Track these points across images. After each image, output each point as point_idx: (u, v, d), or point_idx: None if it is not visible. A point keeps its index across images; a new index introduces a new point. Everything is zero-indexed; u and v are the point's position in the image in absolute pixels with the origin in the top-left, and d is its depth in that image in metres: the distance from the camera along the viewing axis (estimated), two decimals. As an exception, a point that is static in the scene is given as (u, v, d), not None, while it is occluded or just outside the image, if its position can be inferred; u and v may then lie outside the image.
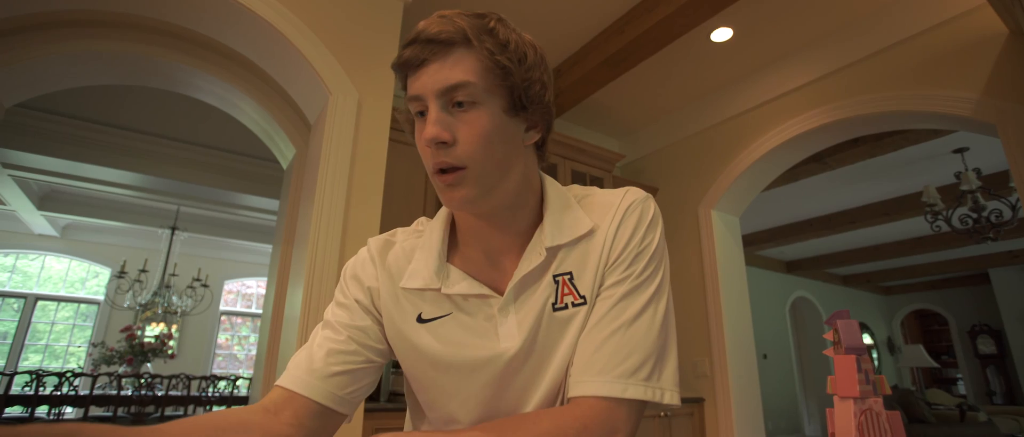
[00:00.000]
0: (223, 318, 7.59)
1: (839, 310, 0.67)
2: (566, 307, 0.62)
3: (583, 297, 0.62)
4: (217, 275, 7.34)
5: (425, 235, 0.70)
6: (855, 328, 0.64)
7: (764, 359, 6.91)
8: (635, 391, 0.56)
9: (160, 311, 6.03)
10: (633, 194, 0.66)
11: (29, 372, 4.70)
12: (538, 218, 0.66)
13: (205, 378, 5.36)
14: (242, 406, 0.60)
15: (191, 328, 7.01)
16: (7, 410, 4.44)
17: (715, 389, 3.07)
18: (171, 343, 6.09)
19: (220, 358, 7.46)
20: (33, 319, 6.50)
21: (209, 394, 5.17)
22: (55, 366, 6.37)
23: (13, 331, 6.37)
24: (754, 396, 3.16)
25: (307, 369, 0.63)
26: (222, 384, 5.39)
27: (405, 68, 0.58)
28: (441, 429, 0.67)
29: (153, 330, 5.83)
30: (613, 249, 0.62)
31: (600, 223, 0.64)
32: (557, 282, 0.63)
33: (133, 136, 4.00)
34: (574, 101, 3.16)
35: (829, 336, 0.67)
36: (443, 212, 0.70)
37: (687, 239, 3.38)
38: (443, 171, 0.57)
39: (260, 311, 7.95)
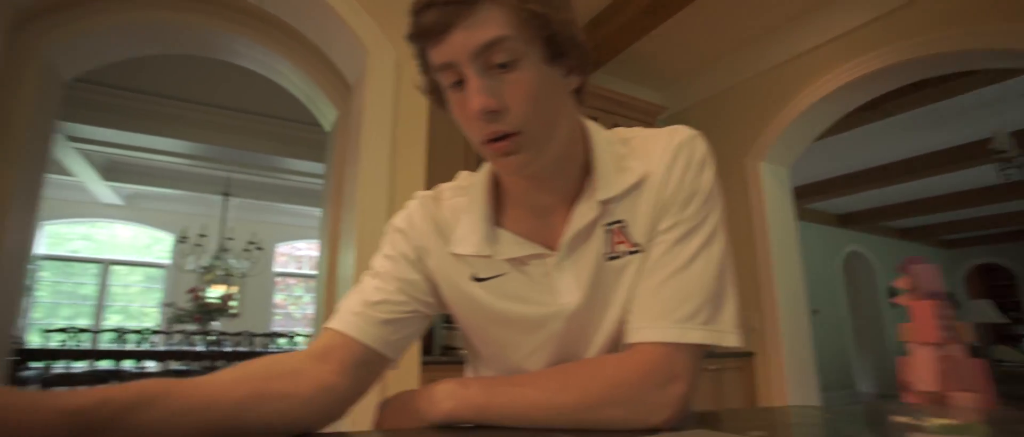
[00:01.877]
0: (277, 279, 7.97)
1: (912, 256, 0.64)
2: (619, 256, 0.61)
3: (637, 245, 0.61)
4: (269, 238, 7.68)
5: (469, 197, 0.68)
6: (933, 273, 0.61)
7: (815, 315, 6.75)
8: (695, 335, 0.56)
9: (220, 273, 6.40)
10: (681, 133, 0.63)
11: (114, 330, 5.11)
12: (585, 169, 0.63)
13: (267, 335, 5.69)
14: (291, 353, 0.61)
15: (250, 289, 7.41)
16: (98, 363, 4.86)
17: (765, 344, 3.04)
18: (232, 303, 6.47)
19: (278, 317, 7.89)
20: (109, 282, 7.02)
21: (271, 350, 5.50)
22: (133, 325, 6.90)
23: (95, 293, 6.91)
24: (806, 351, 3.11)
25: (358, 313, 0.63)
26: (281, 340, 5.72)
27: (425, 37, 0.53)
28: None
29: (215, 291, 6.21)
30: (664, 193, 0.61)
31: (650, 167, 0.62)
32: (609, 232, 0.62)
33: (184, 105, 4.15)
34: (614, 52, 3.06)
35: (901, 283, 0.64)
36: (484, 173, 0.69)
37: (735, 192, 3.28)
38: (493, 139, 0.54)
39: (311, 272, 8.31)
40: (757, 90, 3.25)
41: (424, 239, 0.69)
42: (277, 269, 7.97)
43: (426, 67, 0.59)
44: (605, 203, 0.61)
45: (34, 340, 5.70)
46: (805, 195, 6.10)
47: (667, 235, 0.60)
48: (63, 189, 6.10)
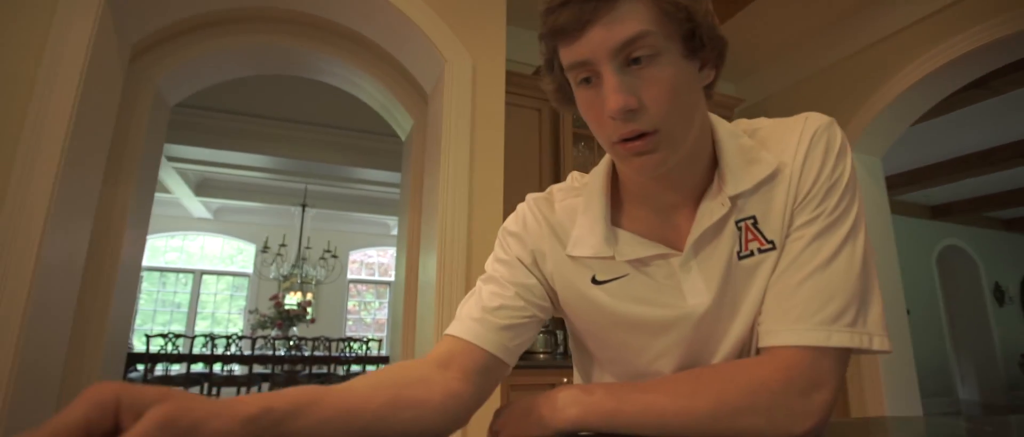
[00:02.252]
0: (351, 286, 8.29)
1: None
2: (752, 254, 0.57)
3: (771, 242, 0.57)
4: (343, 247, 8.01)
5: (585, 196, 0.66)
6: None
7: (908, 315, 6.25)
8: (840, 338, 0.51)
9: (298, 281, 6.73)
10: (815, 120, 0.58)
11: (204, 335, 5.49)
12: (712, 164, 0.60)
13: (342, 340, 5.92)
14: (415, 360, 0.62)
15: (324, 296, 7.75)
16: (192, 366, 5.23)
17: (858, 346, 2.83)
18: (309, 309, 6.79)
19: (350, 322, 8.20)
20: (200, 291, 7.56)
21: (346, 354, 5.71)
22: (219, 330, 7.38)
23: (187, 301, 7.45)
24: (905, 355, 2.88)
25: (478, 319, 0.62)
26: (355, 345, 5.93)
27: (560, 35, 0.51)
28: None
29: (293, 298, 6.53)
30: (801, 185, 0.56)
31: (783, 158, 0.58)
32: (740, 228, 0.58)
33: (268, 123, 4.41)
34: (686, 46, 2.96)
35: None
36: (602, 171, 0.66)
37: (820, 186, 3.09)
38: (629, 139, 0.52)
39: (382, 278, 8.59)
40: (844, 75, 3.05)
41: (539, 242, 0.67)
42: (351, 276, 8.29)
43: (552, 66, 0.57)
44: (735, 198, 0.58)
45: (138, 345, 6.22)
46: (893, 186, 5.67)
47: (806, 230, 0.56)
48: (161, 205, 6.63)
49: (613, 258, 0.62)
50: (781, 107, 3.39)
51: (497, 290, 0.65)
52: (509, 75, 2.35)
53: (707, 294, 0.59)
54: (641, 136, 0.52)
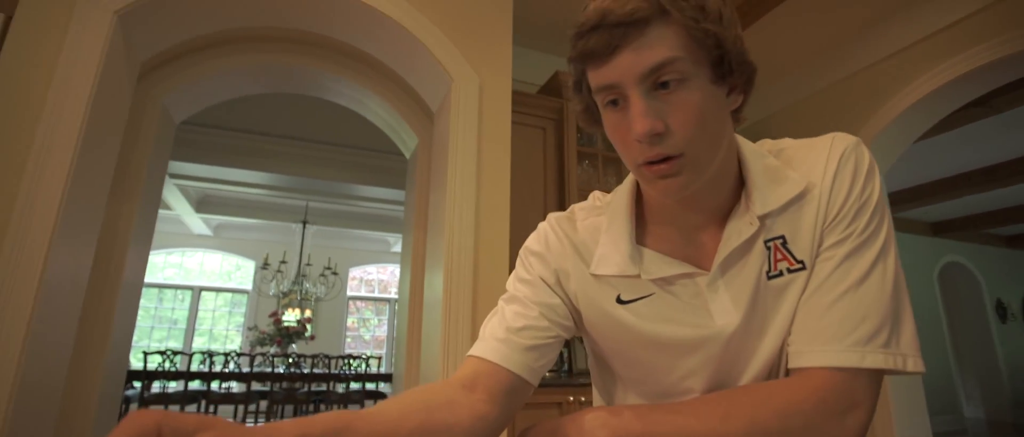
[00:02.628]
0: (350, 303, 8.24)
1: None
2: (781, 274, 0.57)
3: (801, 262, 0.57)
4: (343, 263, 7.98)
5: (608, 215, 0.66)
6: None
7: (910, 332, 6.22)
8: (874, 360, 0.51)
9: (298, 298, 6.69)
10: (843, 140, 0.58)
11: (202, 352, 5.44)
12: (738, 184, 0.61)
13: (341, 357, 5.87)
14: (441, 382, 0.60)
15: (323, 313, 7.70)
16: (190, 383, 5.17)
17: (865, 365, 2.81)
18: (309, 326, 6.74)
19: (349, 339, 8.13)
20: (198, 307, 7.50)
21: (346, 372, 5.66)
22: (217, 347, 7.31)
23: (185, 318, 7.40)
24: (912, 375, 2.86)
25: (503, 340, 0.62)
26: (355, 363, 5.88)
27: (590, 60, 0.52)
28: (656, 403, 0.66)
29: (292, 315, 6.48)
30: (831, 206, 0.56)
31: (812, 178, 0.58)
32: (769, 248, 0.58)
33: (270, 140, 4.42)
34: (689, 65, 2.99)
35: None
36: (626, 190, 0.66)
37: (823, 203, 3.10)
38: (654, 162, 0.52)
39: (382, 295, 8.54)
40: (845, 94, 3.08)
41: (562, 261, 0.67)
42: (350, 293, 8.25)
43: (581, 87, 0.58)
44: (763, 218, 0.58)
45: (134, 361, 6.16)
46: (894, 203, 5.69)
47: (836, 250, 0.55)
48: (161, 221, 6.60)
49: (638, 277, 0.62)
50: (783, 126, 3.41)
51: (521, 310, 0.65)
52: (514, 94, 2.36)
53: (736, 313, 0.58)
54: (666, 159, 0.52)
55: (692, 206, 0.60)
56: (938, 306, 6.71)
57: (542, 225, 0.72)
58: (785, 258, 0.57)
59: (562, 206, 2.51)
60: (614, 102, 0.53)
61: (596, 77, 0.53)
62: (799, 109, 3.34)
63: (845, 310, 0.53)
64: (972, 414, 6.72)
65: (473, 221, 1.99)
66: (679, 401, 0.56)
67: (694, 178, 0.54)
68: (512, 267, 0.71)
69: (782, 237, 0.58)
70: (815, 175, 0.58)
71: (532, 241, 0.71)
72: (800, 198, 0.58)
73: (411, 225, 2.59)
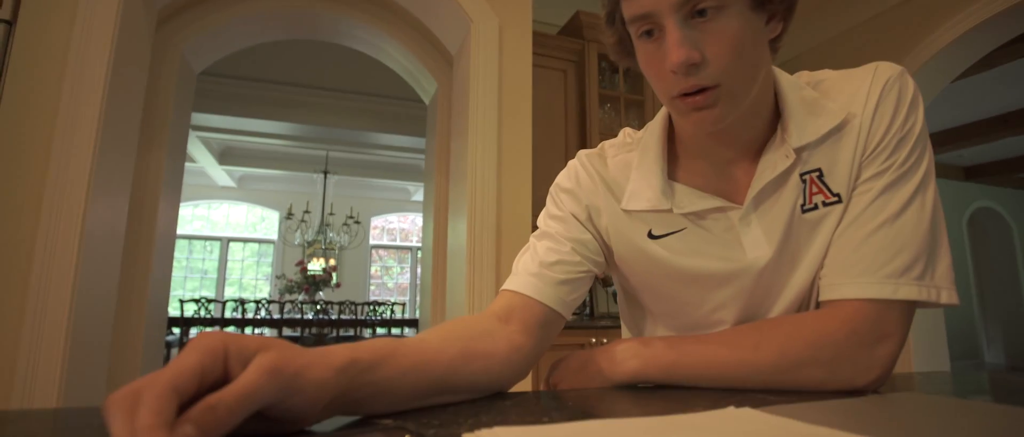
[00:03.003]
0: (372, 251, 8.42)
1: None
2: (816, 207, 0.56)
3: (837, 195, 0.56)
4: (365, 213, 8.10)
5: (639, 150, 0.66)
6: None
7: (934, 278, 6.15)
8: (908, 291, 0.51)
9: (322, 247, 6.85)
10: (886, 70, 0.56)
11: (234, 300, 5.66)
12: (773, 118, 0.59)
13: (367, 304, 6.05)
14: (477, 314, 0.62)
15: (348, 261, 7.89)
16: (225, 330, 5.41)
17: (888, 308, 2.81)
18: (334, 275, 6.93)
19: (373, 287, 8.36)
20: (227, 258, 7.74)
21: (372, 318, 5.85)
22: (247, 295, 7.59)
23: (215, 268, 7.66)
24: (935, 316, 2.85)
25: (536, 274, 0.63)
26: (381, 309, 6.06)
27: None
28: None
29: (317, 264, 6.66)
30: (871, 137, 0.55)
31: (852, 109, 0.56)
32: (805, 181, 0.57)
33: (291, 90, 4.41)
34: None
35: None
36: (658, 125, 0.65)
37: (852, 146, 3.02)
38: (689, 94, 0.51)
39: (404, 244, 8.70)
40: (880, 31, 2.93)
41: (593, 197, 0.67)
42: (372, 242, 8.41)
43: (613, 19, 0.56)
44: (800, 151, 0.56)
45: (172, 310, 6.44)
46: (926, 146, 5.50)
47: (874, 183, 0.55)
48: (186, 174, 6.71)
49: (670, 211, 0.62)
50: (814, 64, 3.27)
51: (553, 246, 0.65)
52: (535, 36, 2.30)
53: (768, 247, 0.58)
54: (702, 91, 0.51)
55: (725, 140, 0.59)
56: (966, 251, 6.60)
57: (572, 162, 0.72)
58: (821, 191, 0.57)
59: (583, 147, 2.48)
60: (648, 33, 0.52)
61: (630, 6, 0.51)
62: (830, 47, 3.20)
63: (880, 243, 0.52)
64: (993, 359, 6.72)
65: (495, 167, 1.99)
66: (709, 333, 0.58)
67: (730, 110, 0.53)
68: (535, 212, 0.73)
69: (819, 170, 0.57)
70: (855, 105, 0.56)
71: (562, 178, 0.71)
72: (838, 130, 0.56)
73: (433, 172, 2.60)
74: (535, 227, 0.73)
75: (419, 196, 8.01)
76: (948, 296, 0.52)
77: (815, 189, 0.57)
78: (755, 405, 0.37)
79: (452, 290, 2.18)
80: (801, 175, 0.57)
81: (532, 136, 2.12)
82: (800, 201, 0.57)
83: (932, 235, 0.53)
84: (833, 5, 3.10)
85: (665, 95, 0.54)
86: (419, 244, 8.51)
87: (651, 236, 0.64)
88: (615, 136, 0.74)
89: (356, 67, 4.04)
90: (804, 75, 0.62)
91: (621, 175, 0.67)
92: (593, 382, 0.59)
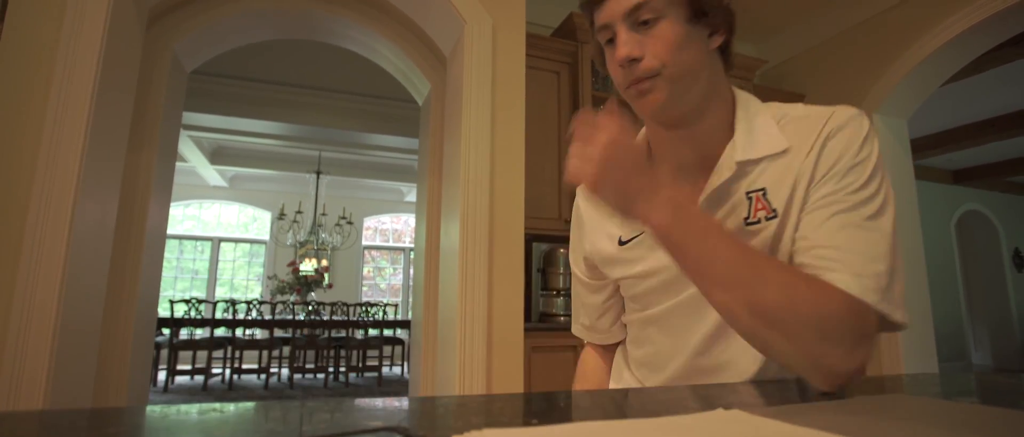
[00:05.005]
0: (365, 252, 8.38)
1: None
2: (759, 222, 0.61)
3: (775, 210, 0.60)
4: (358, 213, 8.06)
5: None
6: None
7: (923, 280, 6.21)
8: (887, 307, 0.52)
9: (314, 248, 6.81)
10: (844, 110, 0.61)
11: (225, 301, 5.61)
12: (730, 133, 0.65)
13: (359, 305, 6.02)
14: (591, 360, 0.86)
15: (340, 262, 7.85)
16: (215, 331, 5.36)
17: (877, 310, 2.84)
18: (326, 275, 6.89)
19: (366, 288, 8.32)
20: (218, 258, 7.68)
21: (364, 319, 5.83)
22: (239, 296, 7.53)
23: (206, 268, 7.59)
24: (924, 319, 2.88)
25: (591, 328, 0.83)
26: (373, 310, 6.04)
27: (593, 4, 0.63)
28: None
29: (309, 265, 6.62)
30: (820, 166, 0.58)
31: (802, 139, 0.60)
32: (750, 198, 0.62)
33: (280, 89, 4.38)
34: (709, 5, 2.88)
35: None
36: (640, 135, 0.73)
37: (843, 149, 3.04)
38: (634, 83, 0.61)
39: (396, 244, 8.67)
40: (871, 35, 2.96)
41: (585, 222, 0.79)
42: (365, 242, 8.37)
43: (594, 33, 0.67)
44: (743, 164, 0.61)
45: (162, 310, 6.38)
46: (916, 150, 5.56)
47: (833, 196, 0.57)
48: (177, 173, 6.62)
49: None
50: (806, 68, 3.31)
51: (584, 293, 0.83)
52: (528, 37, 2.30)
53: None
54: (647, 78, 0.60)
55: (685, 141, 0.66)
56: (954, 254, 6.67)
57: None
58: (764, 207, 0.61)
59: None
60: (610, 41, 0.63)
61: (596, 18, 0.64)
62: (821, 51, 3.23)
63: (863, 243, 0.54)
64: (980, 361, 6.79)
65: (488, 168, 1.99)
66: (745, 244, 0.55)
67: (668, 95, 0.60)
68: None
69: (764, 189, 0.61)
70: (806, 137, 0.60)
71: (573, 219, 0.84)
72: (783, 155, 0.61)
73: (426, 173, 2.60)
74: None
75: (412, 197, 7.98)
76: (901, 315, 0.53)
77: (759, 205, 0.61)
78: (744, 408, 0.37)
79: (445, 291, 2.17)
80: (748, 193, 0.62)
81: (525, 137, 2.12)
82: (745, 214, 0.62)
83: (894, 254, 0.55)
84: (824, 9, 3.12)
85: (621, 87, 0.63)
86: (412, 245, 8.48)
87: (621, 242, 0.71)
88: None
89: (349, 67, 4.02)
90: (775, 105, 0.67)
91: None
92: (614, 195, 0.55)
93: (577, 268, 0.82)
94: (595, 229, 0.75)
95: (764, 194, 0.61)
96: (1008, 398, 0.55)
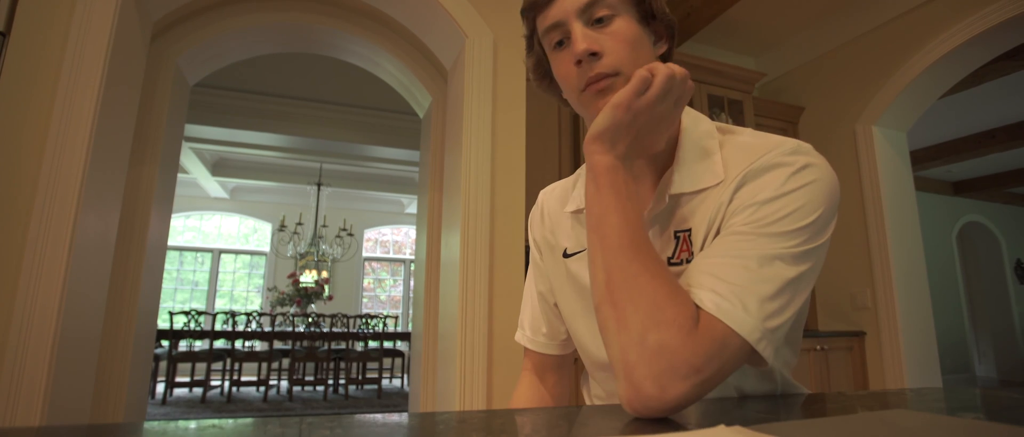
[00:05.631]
0: (366, 264, 8.37)
1: None
2: (682, 264, 0.59)
3: (693, 254, 0.58)
4: (358, 225, 8.07)
5: (576, 176, 0.77)
6: None
7: (925, 292, 6.19)
8: (763, 348, 0.47)
9: (315, 259, 6.80)
10: (783, 143, 0.56)
11: (225, 313, 5.60)
12: (672, 155, 0.62)
13: (359, 317, 6.01)
14: (526, 385, 0.79)
15: (340, 274, 7.85)
16: (215, 343, 5.34)
17: (879, 322, 2.83)
18: (326, 287, 6.87)
19: (366, 300, 8.30)
20: (219, 269, 7.67)
21: (364, 331, 5.80)
22: (238, 308, 7.51)
23: (206, 280, 7.58)
24: (927, 331, 2.87)
25: (534, 331, 0.79)
26: (373, 322, 6.02)
27: (538, 8, 0.61)
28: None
29: (309, 276, 6.61)
30: (736, 198, 0.54)
31: (730, 173, 0.57)
32: (677, 239, 0.60)
33: (282, 101, 4.41)
34: (708, 19, 2.90)
35: None
36: None
37: (845, 160, 3.05)
38: (593, 82, 0.58)
39: (397, 256, 8.66)
40: (869, 48, 2.98)
41: (539, 232, 0.79)
42: (365, 254, 8.37)
43: (532, 38, 0.66)
44: (675, 198, 0.60)
45: (161, 322, 6.36)
46: (916, 161, 5.57)
47: (740, 226, 0.52)
48: (178, 185, 6.69)
49: (572, 220, 0.71)
50: (804, 81, 3.33)
51: (538, 302, 0.80)
52: (527, 63, 2.31)
53: None
54: (604, 78, 0.58)
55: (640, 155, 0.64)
56: (955, 265, 6.65)
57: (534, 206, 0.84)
58: (687, 250, 0.59)
59: (578, 165, 2.49)
60: (561, 43, 0.61)
61: (544, 20, 0.61)
62: (820, 64, 3.24)
63: (760, 280, 0.48)
64: (984, 373, 6.74)
65: (489, 181, 2.00)
66: (649, 250, 0.51)
67: None
68: (527, 225, 0.86)
69: (689, 230, 0.59)
70: (736, 170, 0.57)
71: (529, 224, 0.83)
72: (713, 188, 0.58)
73: (426, 186, 2.60)
74: (527, 242, 0.82)
75: (413, 209, 8.00)
76: (771, 353, 0.47)
77: (684, 248, 0.60)
78: (747, 424, 0.37)
79: (445, 303, 2.17)
80: (676, 232, 0.60)
81: (526, 150, 2.13)
82: (668, 253, 0.60)
83: (785, 298, 0.49)
84: (823, 22, 3.15)
85: (575, 92, 0.60)
86: (412, 257, 8.48)
87: (565, 255, 0.71)
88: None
89: (351, 80, 4.05)
90: (723, 126, 0.64)
91: (556, 202, 0.78)
92: (635, 111, 0.53)
93: (534, 248, 0.80)
94: (544, 240, 0.78)
95: (689, 235, 0.59)
96: (1013, 414, 0.55)
